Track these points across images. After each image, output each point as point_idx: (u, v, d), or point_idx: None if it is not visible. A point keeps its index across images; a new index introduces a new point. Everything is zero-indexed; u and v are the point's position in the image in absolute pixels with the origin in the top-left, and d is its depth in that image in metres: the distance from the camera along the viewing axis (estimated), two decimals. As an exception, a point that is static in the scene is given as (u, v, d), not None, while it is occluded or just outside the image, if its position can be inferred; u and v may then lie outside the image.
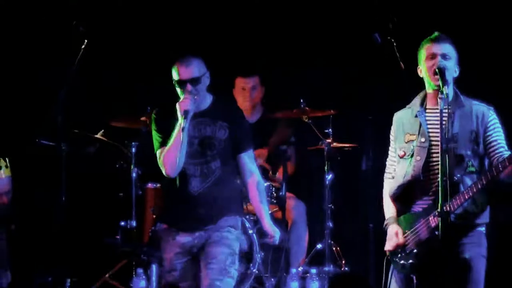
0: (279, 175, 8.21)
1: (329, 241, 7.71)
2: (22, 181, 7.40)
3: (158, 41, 8.89)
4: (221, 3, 9.02)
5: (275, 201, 7.96)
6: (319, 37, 8.81)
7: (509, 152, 5.63)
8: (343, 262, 7.85)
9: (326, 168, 7.93)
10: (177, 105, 5.93)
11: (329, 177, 7.83)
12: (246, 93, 8.29)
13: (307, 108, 7.92)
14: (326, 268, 7.60)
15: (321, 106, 8.07)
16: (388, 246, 5.90)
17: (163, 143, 5.97)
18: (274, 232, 6.09)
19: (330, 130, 7.91)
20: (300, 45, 8.87)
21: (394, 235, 5.89)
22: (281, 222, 7.66)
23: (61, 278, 7.87)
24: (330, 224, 7.80)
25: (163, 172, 6.03)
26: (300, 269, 7.78)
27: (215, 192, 5.96)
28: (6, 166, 6.96)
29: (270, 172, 8.16)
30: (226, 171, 6.07)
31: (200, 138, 6.04)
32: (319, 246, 7.83)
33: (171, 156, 5.95)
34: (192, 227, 5.98)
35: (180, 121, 5.84)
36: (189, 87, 5.96)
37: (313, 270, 7.70)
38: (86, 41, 7.89)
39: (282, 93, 8.70)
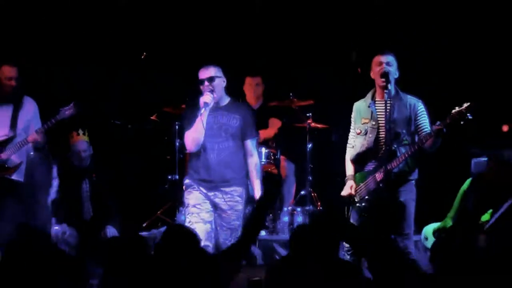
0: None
1: (309, 189, 7.89)
2: (102, 148, 7.30)
3: (197, 52, 8.52)
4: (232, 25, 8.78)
5: (272, 162, 8.00)
6: (305, 48, 8.70)
7: (430, 130, 5.93)
8: (319, 203, 7.98)
9: (307, 139, 8.08)
10: (200, 99, 6.01)
11: (309, 146, 7.98)
12: (252, 88, 8.26)
13: (294, 99, 8.08)
14: (307, 207, 7.77)
15: (304, 97, 8.20)
16: (344, 193, 6.19)
17: (188, 127, 6.03)
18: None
19: (310, 114, 8.08)
20: (290, 53, 8.76)
21: (349, 188, 6.16)
22: (276, 176, 7.90)
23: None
24: (310, 178, 7.97)
25: (186, 147, 6.15)
26: (290, 208, 7.88)
27: (226, 163, 5.99)
28: (84, 134, 6.83)
29: (270, 143, 8.15)
30: (235, 149, 6.10)
31: (218, 124, 6.08)
32: (302, 192, 8.03)
33: (191, 136, 5.99)
34: (209, 186, 6.05)
35: (201, 111, 5.92)
36: (206, 83, 6.01)
37: (298, 209, 7.85)
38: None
39: (277, 88, 8.61)
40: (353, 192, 6.19)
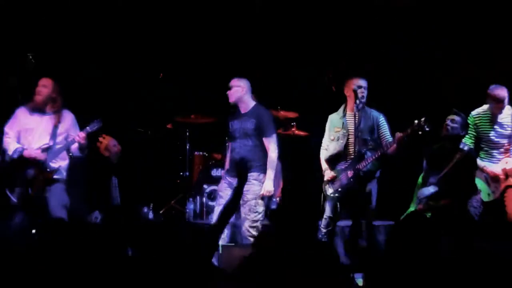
0: None
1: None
2: (128, 150, 6.93)
3: (202, 73, 8.37)
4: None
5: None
6: (290, 69, 8.45)
7: (391, 139, 6.13)
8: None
9: (292, 143, 8.09)
10: None
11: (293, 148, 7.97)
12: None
13: (281, 111, 8.10)
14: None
15: (289, 109, 8.18)
16: (327, 177, 6.35)
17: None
18: (267, 186, 6.19)
19: (294, 123, 8.11)
20: (278, 74, 8.54)
21: (330, 174, 6.33)
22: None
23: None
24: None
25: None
26: (278, 198, 7.80)
27: (247, 157, 6.02)
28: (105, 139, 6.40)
29: None
30: (253, 146, 6.19)
31: (241, 129, 6.22)
32: (288, 186, 7.87)
33: None
34: (232, 175, 6.16)
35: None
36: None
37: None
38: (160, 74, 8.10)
39: (267, 102, 7.72)
40: (335, 175, 6.30)
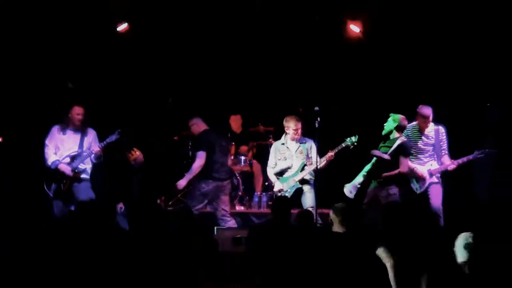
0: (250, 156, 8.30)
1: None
2: (145, 157, 6.77)
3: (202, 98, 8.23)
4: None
5: (247, 164, 8.07)
6: (269, 92, 8.36)
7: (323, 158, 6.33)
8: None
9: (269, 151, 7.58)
10: None
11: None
12: (235, 122, 8.24)
13: (261, 126, 8.22)
14: (269, 192, 7.62)
15: (268, 125, 8.20)
16: (276, 188, 6.55)
17: None
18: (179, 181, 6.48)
19: (271, 135, 8.06)
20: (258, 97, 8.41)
21: (279, 185, 6.50)
22: (251, 173, 8.16)
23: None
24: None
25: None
26: (258, 192, 7.89)
27: None
28: (135, 150, 6.61)
29: (249, 154, 8.20)
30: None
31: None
32: (266, 183, 7.87)
33: None
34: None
35: None
36: None
37: (264, 193, 7.84)
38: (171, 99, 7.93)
39: (249, 120, 8.37)
40: (281, 188, 6.56)
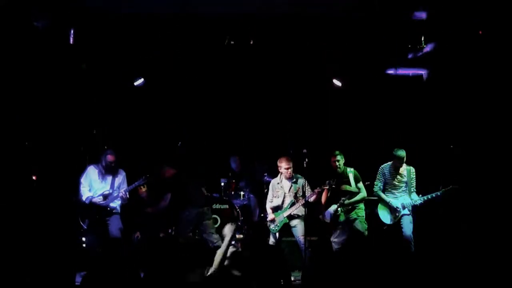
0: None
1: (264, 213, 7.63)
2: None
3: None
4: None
5: (247, 199, 8.22)
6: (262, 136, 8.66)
7: (310, 192, 6.61)
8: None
9: (263, 187, 8.14)
10: None
11: (265, 190, 7.70)
12: (235, 161, 8.43)
13: (256, 162, 8.42)
14: (264, 222, 7.30)
15: (263, 160, 8.32)
16: (269, 218, 6.84)
17: None
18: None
19: (266, 174, 8.21)
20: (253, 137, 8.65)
21: (272, 217, 6.82)
22: (249, 206, 8.25)
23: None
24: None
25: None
26: (256, 219, 8.13)
27: None
28: (144, 186, 6.81)
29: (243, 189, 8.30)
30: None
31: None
32: (262, 215, 8.00)
33: None
34: None
35: None
36: None
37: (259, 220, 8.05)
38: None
39: (246, 160, 8.53)
40: (273, 219, 6.89)
